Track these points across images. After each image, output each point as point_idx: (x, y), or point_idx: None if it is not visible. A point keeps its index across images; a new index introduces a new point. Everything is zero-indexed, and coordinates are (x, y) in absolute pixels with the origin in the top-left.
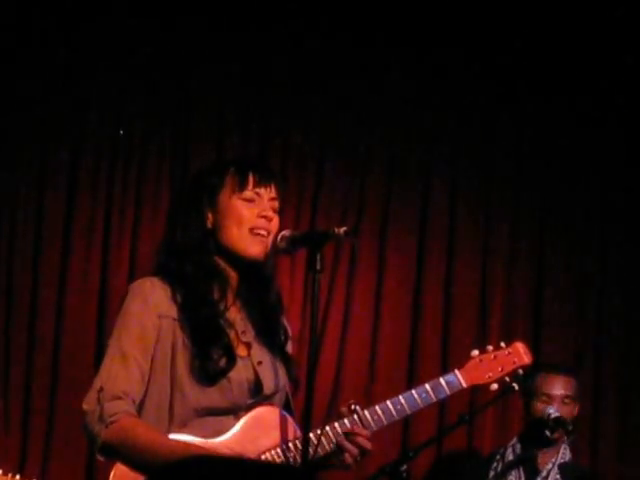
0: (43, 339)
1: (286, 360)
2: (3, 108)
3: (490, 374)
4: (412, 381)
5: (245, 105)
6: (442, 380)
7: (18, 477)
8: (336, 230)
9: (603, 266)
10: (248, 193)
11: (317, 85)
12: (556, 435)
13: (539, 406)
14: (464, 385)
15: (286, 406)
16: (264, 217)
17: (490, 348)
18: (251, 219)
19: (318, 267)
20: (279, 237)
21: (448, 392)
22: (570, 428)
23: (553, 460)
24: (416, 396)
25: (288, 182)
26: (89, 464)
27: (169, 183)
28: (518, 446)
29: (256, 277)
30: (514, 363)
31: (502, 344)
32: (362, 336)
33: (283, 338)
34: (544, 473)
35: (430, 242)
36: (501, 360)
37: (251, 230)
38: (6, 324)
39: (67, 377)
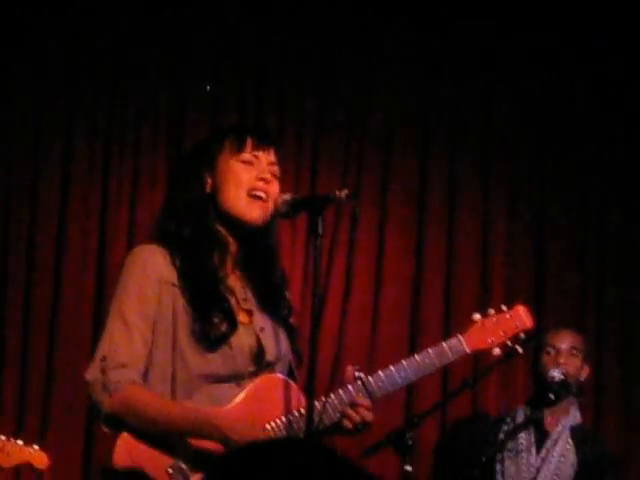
0: (40, 309)
1: (290, 332)
2: None
3: (492, 338)
4: (415, 345)
5: (241, 69)
6: (445, 345)
7: (20, 442)
8: (337, 193)
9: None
10: (246, 155)
11: (315, 48)
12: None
13: (545, 358)
14: (467, 350)
15: (289, 375)
16: (262, 179)
17: (492, 311)
18: (249, 181)
19: (320, 231)
20: (280, 201)
21: (452, 357)
22: (574, 390)
23: (563, 423)
24: (420, 362)
25: (284, 148)
26: (88, 432)
27: (165, 151)
28: (528, 409)
29: (258, 247)
30: (516, 327)
31: (503, 307)
32: (364, 299)
33: (287, 312)
34: (555, 435)
35: (430, 200)
36: (503, 324)
37: (249, 193)
38: (3, 289)
39: (65, 340)
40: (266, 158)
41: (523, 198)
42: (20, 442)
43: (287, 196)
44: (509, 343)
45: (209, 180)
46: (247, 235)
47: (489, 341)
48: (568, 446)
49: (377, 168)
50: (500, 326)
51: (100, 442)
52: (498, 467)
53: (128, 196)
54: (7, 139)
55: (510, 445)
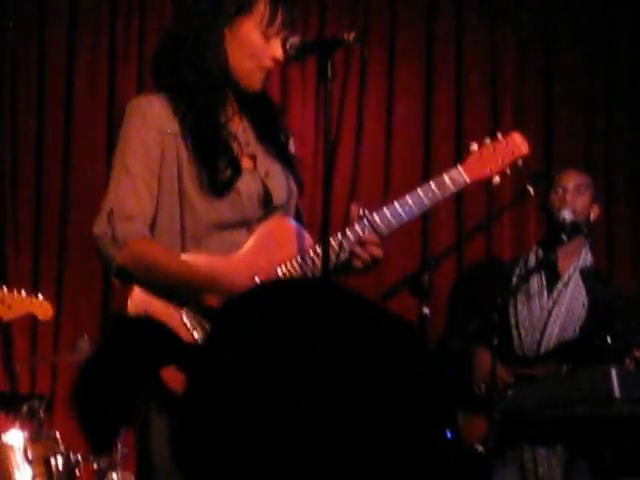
0: (51, 158)
1: (290, 162)
2: None
3: (491, 167)
4: (428, 173)
5: None
6: (445, 177)
7: (23, 292)
8: (345, 36)
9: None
10: (270, 31)
11: None
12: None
13: (554, 197)
14: (467, 180)
15: (296, 216)
16: (276, 60)
17: (488, 141)
18: (263, 58)
19: (329, 74)
20: (288, 44)
21: (453, 189)
22: (585, 231)
23: (574, 264)
24: (422, 195)
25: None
26: (105, 287)
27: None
28: (540, 252)
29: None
30: (513, 154)
31: (499, 135)
32: (376, 141)
33: (284, 139)
34: (565, 278)
35: (438, 45)
36: (500, 152)
37: (259, 66)
38: (13, 141)
39: (77, 192)
40: (284, 34)
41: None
42: (23, 293)
43: (296, 40)
44: (508, 171)
45: (227, 34)
46: (244, 91)
47: (488, 170)
48: (579, 287)
49: (385, 14)
50: (497, 154)
51: (118, 295)
52: (511, 310)
53: (137, 37)
54: None
55: (523, 288)
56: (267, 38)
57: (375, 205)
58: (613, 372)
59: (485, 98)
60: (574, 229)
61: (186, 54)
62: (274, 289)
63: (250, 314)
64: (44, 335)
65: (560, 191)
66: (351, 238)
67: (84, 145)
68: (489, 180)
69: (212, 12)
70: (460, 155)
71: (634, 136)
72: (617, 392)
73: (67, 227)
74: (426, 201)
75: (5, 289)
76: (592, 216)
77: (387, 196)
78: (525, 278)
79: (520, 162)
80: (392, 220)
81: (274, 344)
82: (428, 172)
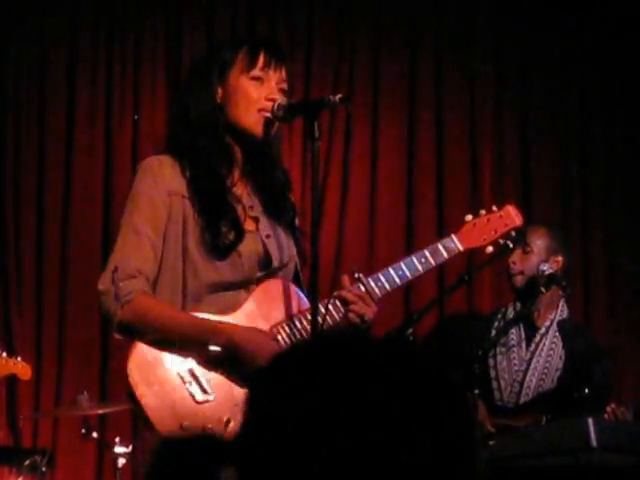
0: (52, 215)
1: (295, 234)
2: None
3: (485, 237)
4: (411, 239)
5: None
6: (440, 245)
7: (4, 354)
8: (331, 97)
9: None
10: (257, 72)
11: None
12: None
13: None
14: (461, 248)
15: (295, 279)
16: (271, 100)
17: (483, 212)
18: (259, 100)
19: (316, 134)
20: (276, 105)
21: (446, 256)
22: (564, 284)
23: (551, 317)
24: (416, 261)
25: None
26: (104, 346)
27: (164, 62)
28: (518, 304)
29: (262, 156)
30: (506, 225)
31: (494, 207)
32: (360, 199)
33: (292, 214)
34: (542, 330)
35: (419, 102)
36: (494, 223)
37: (258, 110)
38: (15, 203)
39: (76, 249)
40: (276, 76)
41: (508, 101)
42: (4, 354)
43: (283, 101)
44: (501, 241)
45: (220, 91)
46: (252, 144)
47: (482, 239)
48: (556, 339)
49: (368, 73)
50: (492, 225)
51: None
52: (491, 362)
53: (131, 111)
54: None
55: (502, 340)
56: (257, 81)
57: (359, 263)
58: (590, 422)
59: (464, 154)
60: (552, 281)
61: (186, 119)
62: (316, 345)
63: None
64: (46, 391)
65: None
66: (346, 299)
67: (83, 209)
68: (482, 248)
69: (202, 75)
70: (441, 212)
71: (609, 184)
72: (594, 441)
73: (66, 289)
74: (420, 267)
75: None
76: (554, 267)
77: (372, 253)
78: (504, 330)
79: (513, 233)
80: (385, 284)
81: (320, 401)
82: (411, 227)
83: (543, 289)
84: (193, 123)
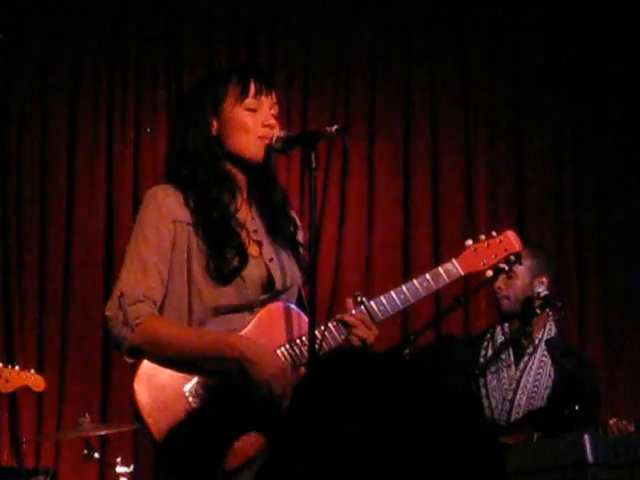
0: (54, 252)
1: (297, 251)
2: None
3: (484, 261)
4: (407, 266)
5: (232, 15)
6: (441, 269)
7: (17, 367)
8: (328, 129)
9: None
10: (250, 101)
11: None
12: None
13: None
14: (462, 273)
15: (299, 300)
16: (268, 126)
17: (483, 237)
18: (256, 128)
19: (313, 165)
20: (274, 138)
21: (447, 280)
22: (559, 305)
23: (539, 336)
24: (417, 285)
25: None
26: (104, 370)
27: (165, 94)
28: (506, 325)
29: (261, 177)
30: (506, 250)
31: (494, 233)
32: (357, 228)
33: (293, 229)
34: (531, 349)
35: (414, 131)
36: (494, 248)
37: (257, 138)
38: (18, 234)
39: (79, 272)
40: (268, 102)
41: (501, 131)
42: (17, 367)
43: (281, 133)
44: (500, 265)
45: (215, 123)
46: (253, 170)
47: (482, 263)
48: (544, 358)
49: (364, 104)
50: (491, 250)
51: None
52: (481, 381)
53: (132, 145)
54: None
55: (492, 360)
56: (251, 109)
57: (356, 290)
58: (586, 438)
59: (460, 182)
60: (547, 303)
61: (183, 153)
62: (351, 361)
63: (331, 384)
64: (48, 412)
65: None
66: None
67: (84, 240)
68: (482, 273)
69: (196, 109)
70: (437, 238)
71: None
72: (590, 457)
73: (69, 317)
74: (421, 291)
75: (1, 364)
76: (542, 288)
77: (369, 279)
78: (494, 350)
79: (513, 258)
80: (387, 307)
81: (351, 417)
82: (408, 254)
83: (538, 310)
84: (191, 157)
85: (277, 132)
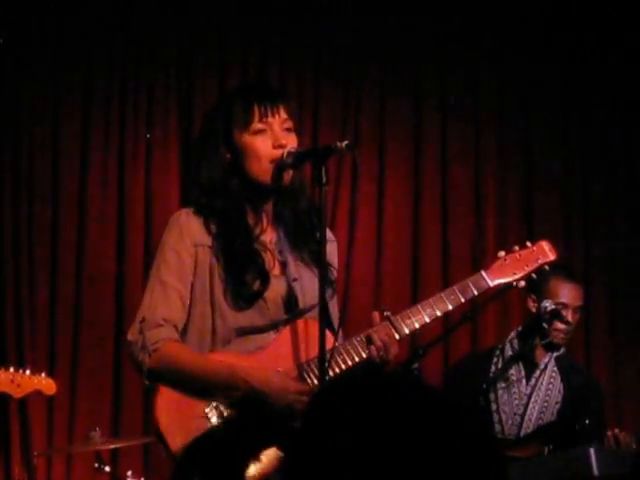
0: (65, 271)
1: (322, 266)
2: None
3: (515, 271)
4: (417, 282)
5: (244, 34)
6: (469, 282)
7: (28, 371)
8: (338, 144)
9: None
10: (257, 125)
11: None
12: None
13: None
14: (491, 284)
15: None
16: (279, 146)
17: (516, 248)
18: (267, 152)
19: (324, 180)
20: (285, 154)
21: (475, 292)
22: (565, 319)
23: (549, 353)
24: (445, 298)
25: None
26: (115, 384)
27: (177, 118)
28: (516, 341)
29: (285, 196)
30: (538, 260)
31: (528, 243)
32: (367, 243)
33: (316, 242)
34: (542, 366)
35: (425, 148)
36: (526, 258)
37: (271, 161)
38: (29, 253)
39: (89, 289)
40: (277, 120)
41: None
42: (28, 372)
43: (292, 149)
44: (534, 275)
45: (227, 155)
46: (272, 191)
47: (512, 274)
48: (554, 374)
49: (374, 120)
50: (523, 260)
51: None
52: (492, 396)
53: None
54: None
55: (502, 375)
56: (258, 133)
57: (365, 305)
58: (591, 451)
59: (469, 199)
60: (554, 316)
61: (199, 183)
62: (365, 382)
63: (343, 405)
64: (59, 427)
65: (561, 307)
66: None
67: (96, 251)
68: (513, 283)
69: (208, 139)
70: (447, 254)
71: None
72: (596, 470)
73: (80, 331)
74: (449, 305)
75: (12, 369)
76: (549, 303)
77: (378, 295)
78: (504, 366)
79: (547, 268)
80: (415, 322)
81: (364, 435)
82: (417, 270)
83: (546, 325)
84: (206, 187)
85: (293, 143)
